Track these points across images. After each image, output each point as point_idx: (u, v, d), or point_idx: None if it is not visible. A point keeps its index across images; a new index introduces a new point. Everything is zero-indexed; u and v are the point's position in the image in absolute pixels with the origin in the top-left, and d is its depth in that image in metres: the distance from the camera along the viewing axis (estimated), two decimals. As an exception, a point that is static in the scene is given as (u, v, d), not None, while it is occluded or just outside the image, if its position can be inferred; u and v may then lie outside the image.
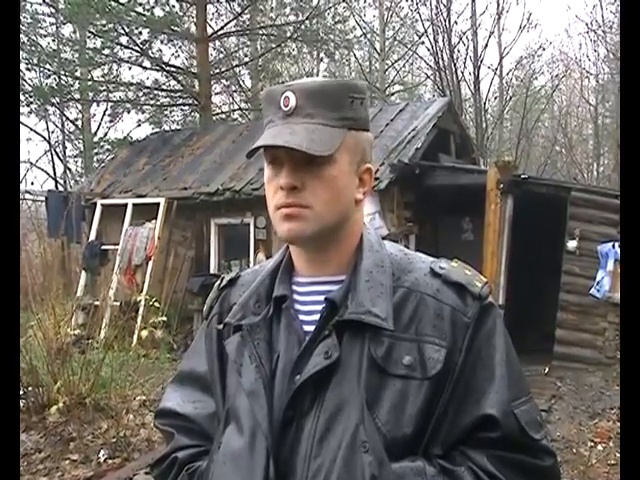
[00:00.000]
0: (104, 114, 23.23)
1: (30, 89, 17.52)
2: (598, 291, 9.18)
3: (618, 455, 5.47)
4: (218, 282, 1.60)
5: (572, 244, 9.54)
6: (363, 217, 1.46)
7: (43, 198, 13.20)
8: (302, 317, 1.40)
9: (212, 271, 12.21)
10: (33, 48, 17.16)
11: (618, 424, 6.23)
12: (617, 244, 8.89)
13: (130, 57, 18.25)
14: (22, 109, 17.59)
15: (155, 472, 1.57)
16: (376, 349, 1.29)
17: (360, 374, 1.28)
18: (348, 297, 1.34)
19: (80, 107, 22.37)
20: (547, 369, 9.27)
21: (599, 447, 6.00)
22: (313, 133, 1.31)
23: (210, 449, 1.44)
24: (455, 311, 1.34)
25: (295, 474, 1.27)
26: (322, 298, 1.37)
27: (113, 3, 15.82)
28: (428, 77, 25.34)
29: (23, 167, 17.36)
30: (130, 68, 19.57)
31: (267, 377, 1.34)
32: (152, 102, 19.89)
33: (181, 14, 18.44)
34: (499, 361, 1.33)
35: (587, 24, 24.66)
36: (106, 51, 18.02)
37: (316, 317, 1.36)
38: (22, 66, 16.87)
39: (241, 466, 1.32)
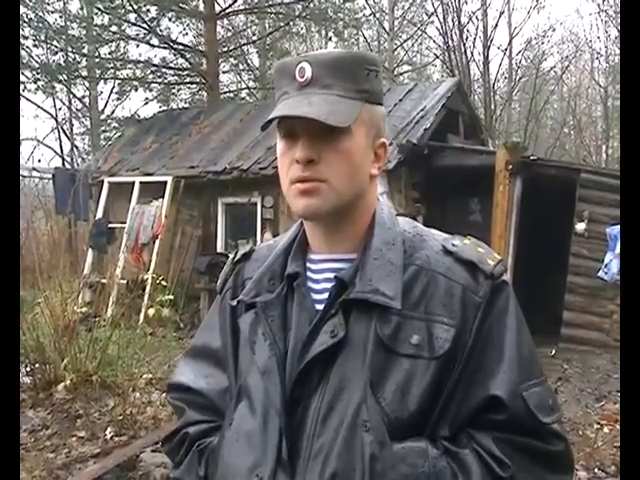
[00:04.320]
0: (111, 92, 23.23)
1: (37, 66, 17.47)
2: (606, 274, 9.14)
3: (624, 438, 5.46)
4: (232, 256, 1.58)
5: (581, 226, 9.50)
6: (377, 193, 1.43)
7: (50, 175, 13.19)
8: (314, 295, 1.37)
9: (219, 250, 12.21)
10: (40, 25, 17.07)
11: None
12: (626, 227, 8.83)
13: (138, 34, 18.17)
14: (29, 86, 17.57)
15: (166, 448, 1.56)
16: (383, 328, 1.27)
17: (365, 353, 1.26)
18: (357, 275, 1.31)
19: (87, 84, 22.35)
20: (554, 351, 9.26)
21: (605, 429, 5.99)
22: (331, 104, 1.28)
23: (221, 424, 1.43)
24: (466, 290, 1.31)
25: (300, 454, 1.26)
26: (333, 275, 1.34)
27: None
28: (437, 57, 25.17)
29: (30, 144, 17.32)
30: (138, 46, 19.54)
31: (281, 355, 1.32)
32: (160, 80, 19.85)
33: (189, -9, 18.34)
34: (509, 341, 1.30)
35: (598, 4, 24.42)
36: (114, 28, 17.96)
37: (327, 295, 1.34)
38: (29, 43, 16.85)
39: (254, 444, 1.31)
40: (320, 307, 1.34)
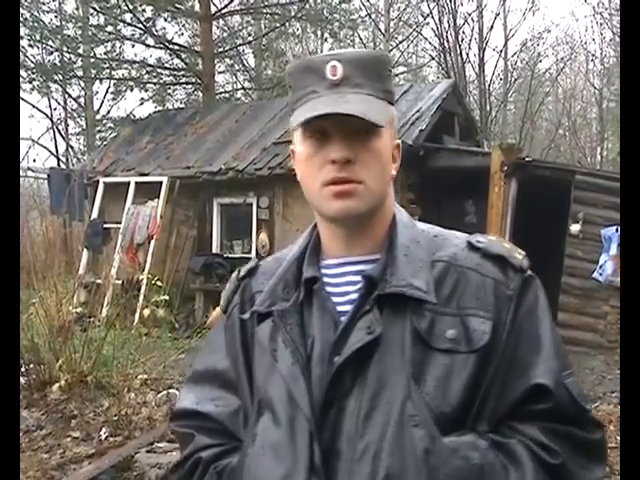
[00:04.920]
0: (107, 92, 23.21)
1: (32, 66, 17.46)
2: (600, 275, 9.16)
3: (619, 438, 5.48)
4: (235, 274, 1.53)
5: (575, 227, 9.52)
6: (394, 194, 1.43)
7: (45, 175, 13.18)
8: (335, 299, 1.34)
9: (214, 251, 12.21)
10: (36, 24, 17.05)
11: (619, 408, 6.24)
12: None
13: (133, 34, 18.17)
14: (24, 86, 17.56)
15: (175, 477, 1.48)
16: (419, 322, 1.26)
17: (404, 348, 1.24)
18: (387, 272, 1.30)
19: (83, 84, 22.33)
20: (548, 352, 9.26)
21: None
22: (367, 103, 1.28)
23: (235, 447, 1.38)
24: (498, 283, 1.31)
25: (339, 456, 1.22)
26: (356, 278, 1.33)
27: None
28: (433, 58, 25.19)
29: (25, 144, 17.31)
30: (133, 46, 19.46)
31: (304, 361, 1.29)
32: (155, 80, 19.84)
33: (185, -8, 18.33)
34: (544, 332, 1.30)
35: (593, 7, 24.48)
36: (109, 28, 17.94)
37: (352, 297, 1.32)
38: (24, 42, 16.82)
39: (282, 456, 1.25)
40: (343, 309, 1.32)
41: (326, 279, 1.37)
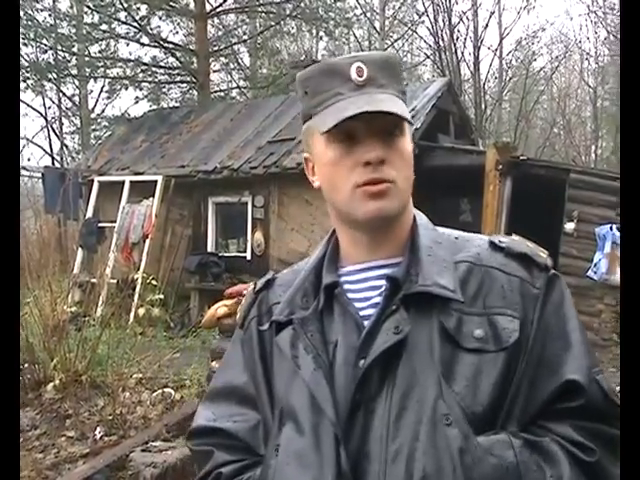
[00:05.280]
0: (101, 90, 23.17)
1: (27, 64, 17.40)
2: (595, 273, 9.18)
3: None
4: (252, 286, 1.52)
5: (570, 226, 9.53)
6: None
7: (40, 174, 13.15)
8: (357, 304, 1.33)
9: (209, 250, 12.19)
10: (30, 23, 17.01)
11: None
12: (615, 226, 8.88)
13: (128, 33, 18.15)
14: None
15: None
16: (447, 321, 1.24)
17: (432, 347, 1.23)
18: (411, 272, 1.29)
19: (77, 83, 22.29)
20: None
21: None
22: (394, 102, 1.28)
23: (255, 462, 1.36)
24: (524, 282, 1.30)
25: (370, 459, 1.20)
26: (378, 283, 1.31)
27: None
28: (428, 57, 25.24)
29: (19, 143, 17.28)
30: (128, 44, 19.48)
31: (326, 367, 1.27)
32: (150, 79, 19.81)
33: (180, -10, 18.30)
34: (573, 329, 1.30)
35: (588, 5, 24.54)
36: (104, 26, 17.91)
37: (375, 301, 1.31)
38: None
39: (308, 464, 1.23)
40: (365, 313, 1.31)
41: (347, 286, 1.36)
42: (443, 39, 21.08)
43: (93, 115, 23.57)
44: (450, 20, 21.12)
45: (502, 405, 1.23)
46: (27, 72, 17.35)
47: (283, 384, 1.34)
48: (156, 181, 11.81)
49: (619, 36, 19.94)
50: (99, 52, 19.27)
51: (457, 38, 21.61)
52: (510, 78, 25.91)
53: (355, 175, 1.28)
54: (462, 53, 22.16)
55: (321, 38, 23.53)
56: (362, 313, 1.31)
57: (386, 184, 1.27)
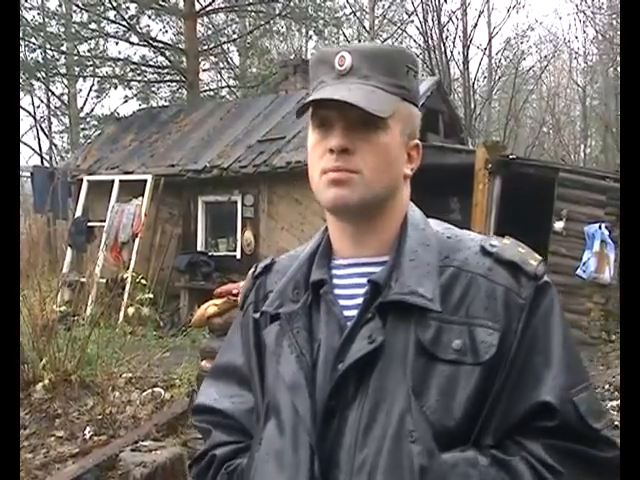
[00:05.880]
0: (90, 90, 23.15)
1: (15, 63, 17.32)
2: (584, 272, 9.22)
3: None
4: (252, 270, 1.52)
5: (559, 225, 9.58)
6: (409, 194, 1.41)
7: (29, 174, 13.09)
8: (343, 302, 1.31)
9: (199, 249, 12.18)
10: (18, 22, 16.95)
11: (602, 403, 6.29)
12: (604, 225, 8.94)
13: (117, 32, 18.09)
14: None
15: (194, 471, 1.48)
16: (423, 332, 1.21)
17: (406, 359, 1.20)
18: (392, 277, 1.26)
19: (66, 82, 22.23)
20: (532, 349, 9.31)
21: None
22: (371, 93, 1.26)
23: (249, 444, 1.38)
24: (509, 292, 1.25)
25: (339, 468, 1.20)
26: (364, 280, 1.29)
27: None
28: (417, 56, 25.23)
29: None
30: (117, 43, 19.41)
31: (308, 368, 1.26)
32: (139, 78, 19.78)
33: (169, -11, 18.27)
34: (556, 345, 1.24)
35: (577, 5, 24.63)
36: (93, 25, 17.85)
37: (359, 301, 1.28)
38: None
39: (285, 465, 1.24)
40: (350, 314, 1.29)
41: (335, 280, 1.34)
42: (432, 38, 21.15)
43: (82, 114, 23.50)
44: (439, 19, 21.20)
45: (477, 419, 1.21)
46: (16, 71, 17.28)
47: (272, 377, 1.34)
48: (146, 180, 11.78)
49: (608, 35, 20.01)
50: (88, 51, 19.22)
51: (446, 37, 21.71)
52: (499, 77, 26.01)
53: (323, 162, 1.28)
54: (451, 52, 22.27)
55: (310, 37, 23.57)
56: (346, 313, 1.30)
57: (347, 173, 1.25)
